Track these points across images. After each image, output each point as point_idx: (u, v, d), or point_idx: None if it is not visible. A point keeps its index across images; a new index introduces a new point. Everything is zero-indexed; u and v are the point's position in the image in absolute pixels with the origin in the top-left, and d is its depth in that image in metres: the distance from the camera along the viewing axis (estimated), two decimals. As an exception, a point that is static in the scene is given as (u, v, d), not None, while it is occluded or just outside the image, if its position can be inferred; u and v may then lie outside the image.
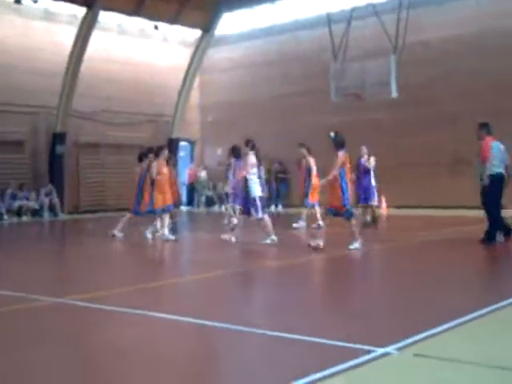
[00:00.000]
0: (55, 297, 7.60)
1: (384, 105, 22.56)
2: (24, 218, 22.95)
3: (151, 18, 27.32)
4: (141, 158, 14.89)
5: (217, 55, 29.76)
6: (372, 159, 16.90)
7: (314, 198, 16.10)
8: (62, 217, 23.62)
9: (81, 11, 24.80)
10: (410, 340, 5.23)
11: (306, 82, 26.25)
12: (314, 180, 15.90)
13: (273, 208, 24.60)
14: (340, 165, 11.60)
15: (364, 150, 16.92)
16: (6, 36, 23.94)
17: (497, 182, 12.03)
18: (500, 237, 12.33)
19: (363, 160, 16.80)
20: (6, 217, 22.48)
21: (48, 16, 25.32)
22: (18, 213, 22.99)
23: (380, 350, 4.95)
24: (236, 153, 14.63)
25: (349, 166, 12.12)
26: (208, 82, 30.42)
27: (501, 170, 12.09)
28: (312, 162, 16.23)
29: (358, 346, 5.10)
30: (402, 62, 19.98)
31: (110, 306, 7.04)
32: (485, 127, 12.44)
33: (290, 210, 22.21)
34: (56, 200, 23.97)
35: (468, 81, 22.65)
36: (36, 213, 23.55)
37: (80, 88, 24.94)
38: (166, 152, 14.64)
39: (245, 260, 11.65)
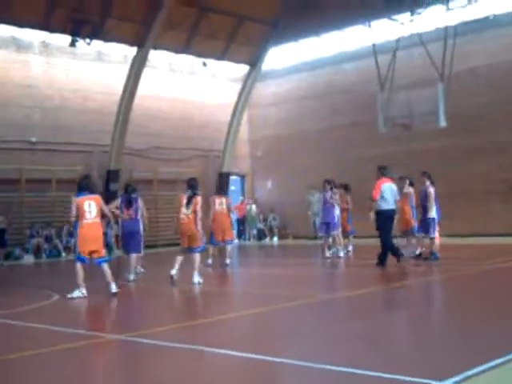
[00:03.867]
0: (114, 333, 7.74)
1: (433, 134, 22.44)
2: (81, 256, 23.44)
3: (199, 55, 27.93)
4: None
5: (264, 89, 30.15)
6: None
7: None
8: (118, 253, 23.92)
9: (131, 51, 25.53)
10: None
11: (353, 113, 26.36)
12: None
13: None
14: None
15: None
16: (61, 78, 24.79)
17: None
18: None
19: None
20: (64, 254, 23.07)
21: (100, 57, 26.11)
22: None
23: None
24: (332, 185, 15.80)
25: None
26: (256, 116, 30.81)
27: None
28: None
29: (420, 379, 5.08)
30: (449, 90, 19.94)
31: (166, 342, 7.12)
32: None
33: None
34: (110, 237, 24.42)
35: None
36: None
37: (131, 125, 25.58)
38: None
39: (293, 290, 11.71)
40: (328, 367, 5.66)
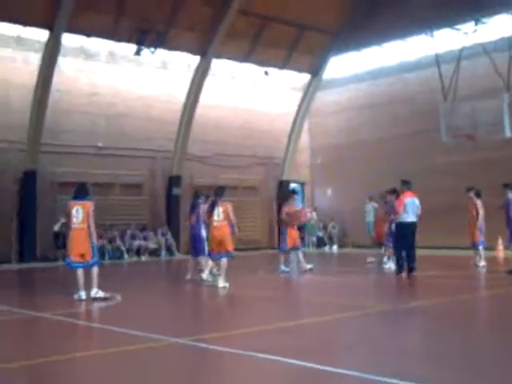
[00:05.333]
0: (174, 337, 7.80)
1: (497, 144, 22.00)
2: (143, 258, 24.10)
3: (261, 63, 28.18)
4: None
5: (325, 98, 30.18)
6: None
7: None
8: (179, 256, 24.47)
9: (195, 60, 25.95)
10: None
11: (414, 123, 26.12)
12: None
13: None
14: None
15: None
16: (125, 86, 25.38)
17: None
18: None
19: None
20: (126, 256, 23.82)
21: (164, 65, 26.60)
22: (137, 252, 24.14)
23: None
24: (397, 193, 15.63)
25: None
26: (317, 124, 30.85)
27: None
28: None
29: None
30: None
31: (228, 348, 7.22)
32: None
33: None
34: (171, 240, 25.02)
35: None
36: (154, 252, 24.66)
37: (193, 133, 26.01)
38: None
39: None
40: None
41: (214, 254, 13.40)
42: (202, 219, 14.37)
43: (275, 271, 16.52)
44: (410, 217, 14.74)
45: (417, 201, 14.96)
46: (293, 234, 16.53)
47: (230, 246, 13.10)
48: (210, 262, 14.48)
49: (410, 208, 14.75)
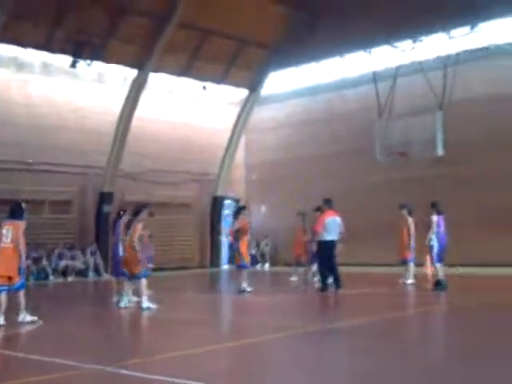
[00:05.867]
0: (96, 364, 7.44)
1: (429, 162, 22.14)
2: (69, 278, 23.15)
3: (199, 78, 27.94)
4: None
5: (262, 114, 30.08)
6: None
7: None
8: (106, 277, 23.26)
9: (131, 73, 25.54)
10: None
11: (352, 140, 26.25)
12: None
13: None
14: None
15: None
16: (60, 97, 24.79)
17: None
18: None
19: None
20: (51, 277, 22.83)
21: (100, 78, 26.09)
22: (64, 273, 23.27)
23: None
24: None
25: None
26: (254, 140, 30.74)
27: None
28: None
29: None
30: (448, 118, 19.87)
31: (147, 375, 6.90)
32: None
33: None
34: (99, 260, 24.22)
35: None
36: (81, 272, 23.80)
37: (129, 146, 25.56)
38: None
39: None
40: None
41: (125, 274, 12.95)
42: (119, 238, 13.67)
43: (237, 291, 16.03)
44: (330, 235, 15.15)
45: (338, 219, 15.35)
46: (246, 251, 16.22)
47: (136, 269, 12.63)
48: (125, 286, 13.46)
49: (330, 227, 15.16)
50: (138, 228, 12.68)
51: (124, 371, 7.06)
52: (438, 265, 15.23)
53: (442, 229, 15.31)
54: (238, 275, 16.43)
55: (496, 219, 22.23)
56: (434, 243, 15.12)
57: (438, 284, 15.06)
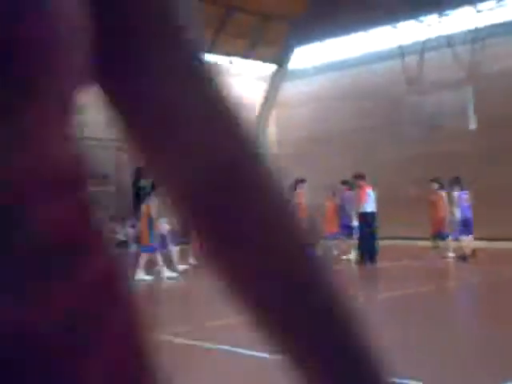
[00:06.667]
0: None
1: (461, 135, 22.08)
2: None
3: (225, 53, 27.99)
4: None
5: (291, 89, 30.02)
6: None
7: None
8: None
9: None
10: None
11: (380, 115, 26.12)
12: None
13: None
14: None
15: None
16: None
17: None
18: None
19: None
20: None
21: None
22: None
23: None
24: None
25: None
26: (283, 116, 30.69)
27: None
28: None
29: None
30: (478, 92, 19.79)
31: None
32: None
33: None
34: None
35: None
36: (122, 244, 24.05)
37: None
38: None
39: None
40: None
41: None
42: None
43: None
44: (371, 207, 15.58)
45: (373, 193, 15.82)
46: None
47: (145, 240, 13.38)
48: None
49: (372, 199, 15.60)
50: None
51: (179, 339, 7.22)
52: (463, 237, 15.67)
53: (466, 204, 15.64)
54: None
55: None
56: (457, 218, 15.74)
57: (462, 257, 15.39)
